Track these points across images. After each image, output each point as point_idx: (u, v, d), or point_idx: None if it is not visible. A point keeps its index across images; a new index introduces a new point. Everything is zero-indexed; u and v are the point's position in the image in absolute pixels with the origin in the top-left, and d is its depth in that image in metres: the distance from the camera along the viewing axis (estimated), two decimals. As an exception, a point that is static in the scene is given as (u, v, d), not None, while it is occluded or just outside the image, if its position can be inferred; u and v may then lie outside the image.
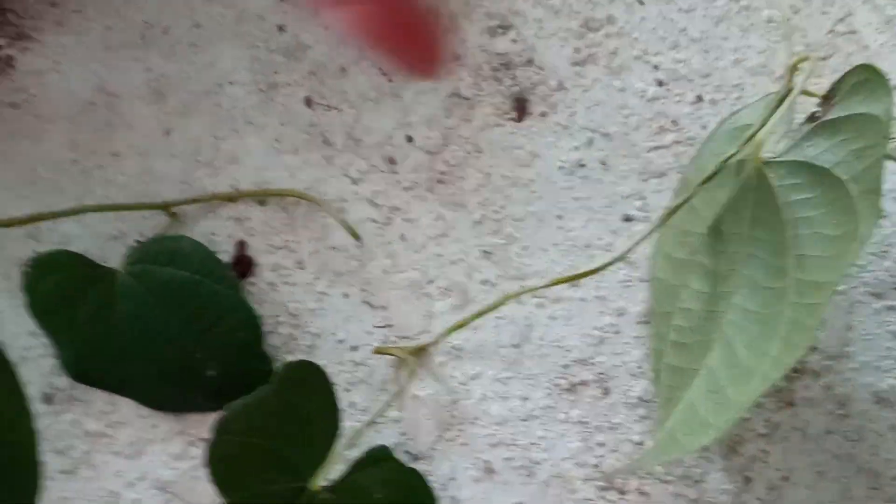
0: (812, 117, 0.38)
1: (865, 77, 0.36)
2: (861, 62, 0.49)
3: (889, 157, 0.37)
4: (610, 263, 0.38)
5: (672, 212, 0.39)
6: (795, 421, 0.41)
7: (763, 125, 0.38)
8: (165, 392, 0.40)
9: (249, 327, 0.41)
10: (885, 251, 0.44)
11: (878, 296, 0.44)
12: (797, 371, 0.42)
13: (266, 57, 0.48)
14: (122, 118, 0.46)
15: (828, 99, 0.37)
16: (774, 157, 0.38)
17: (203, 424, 0.40)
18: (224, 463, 0.36)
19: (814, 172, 0.36)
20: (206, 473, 0.37)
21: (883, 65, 0.48)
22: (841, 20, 0.50)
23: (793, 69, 0.41)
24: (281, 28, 0.48)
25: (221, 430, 0.36)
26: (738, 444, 0.41)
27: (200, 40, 0.48)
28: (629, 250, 0.38)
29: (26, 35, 0.47)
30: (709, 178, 0.39)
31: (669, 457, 0.36)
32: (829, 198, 0.35)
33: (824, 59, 0.49)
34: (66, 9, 0.48)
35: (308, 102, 0.47)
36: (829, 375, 0.42)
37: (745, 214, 0.39)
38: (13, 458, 0.35)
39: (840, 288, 0.44)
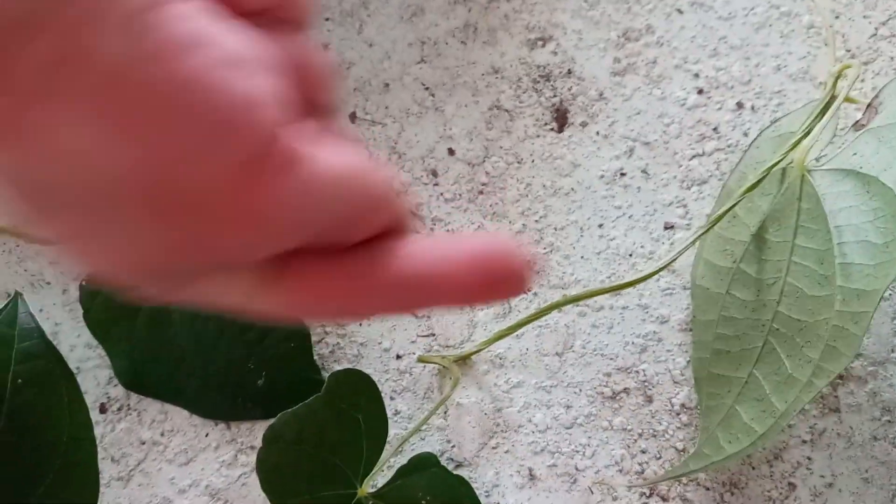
0: (857, 125, 0.38)
1: (909, 84, 0.36)
2: (904, 66, 0.49)
3: (934, 163, 0.37)
4: (654, 273, 0.39)
5: (716, 220, 0.39)
6: (840, 427, 0.41)
7: (807, 133, 0.38)
8: (217, 401, 0.41)
9: (299, 338, 0.42)
10: (931, 257, 0.44)
11: (924, 302, 0.43)
12: (842, 377, 0.42)
13: (310, 73, 0.49)
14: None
15: (873, 106, 0.37)
16: (819, 165, 0.38)
17: (253, 433, 0.42)
18: (275, 470, 0.37)
19: (860, 180, 0.36)
20: (256, 480, 0.38)
21: (927, 68, 0.48)
22: (883, 23, 0.50)
23: (837, 76, 0.41)
24: (326, 46, 0.49)
25: (272, 438, 0.37)
26: (782, 451, 0.41)
27: (246, 58, 0.49)
28: (673, 259, 0.38)
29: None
30: (753, 186, 0.39)
31: (712, 464, 0.36)
32: (875, 205, 0.35)
33: (866, 63, 0.49)
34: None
35: (352, 118, 0.48)
36: (875, 381, 0.42)
37: (789, 223, 0.39)
38: (75, 465, 0.37)
39: (886, 294, 0.44)
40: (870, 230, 0.35)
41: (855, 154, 0.36)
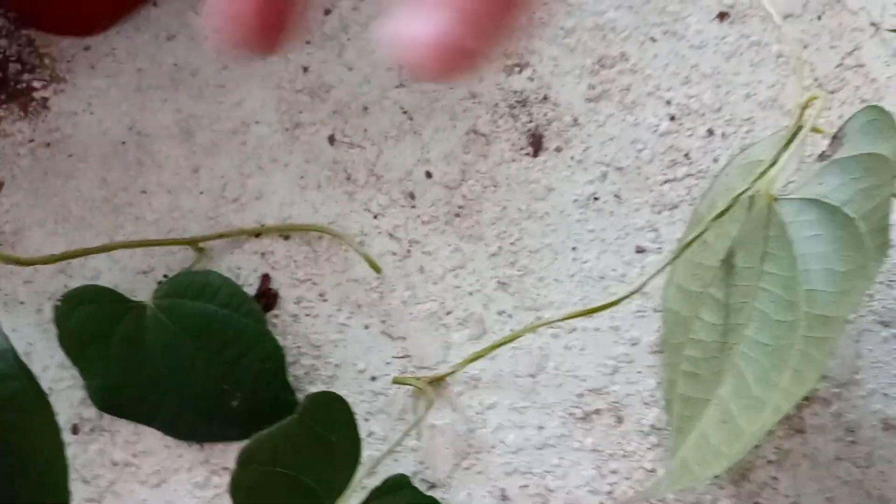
0: (822, 155, 0.39)
1: (874, 117, 0.37)
2: (869, 95, 0.50)
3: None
4: (627, 296, 0.40)
5: (685, 246, 0.40)
6: (805, 448, 0.42)
7: (774, 162, 0.39)
8: (191, 422, 0.41)
9: (274, 359, 0.42)
10: (893, 280, 0.45)
11: (886, 324, 0.44)
12: (807, 399, 0.43)
13: (291, 97, 0.49)
14: (151, 157, 0.47)
15: (837, 138, 0.38)
16: (785, 194, 0.39)
17: (226, 454, 0.42)
18: (247, 492, 0.37)
19: (824, 210, 0.37)
20: (229, 502, 0.38)
21: (891, 98, 0.50)
22: (849, 54, 0.51)
23: (804, 106, 0.42)
24: (306, 69, 0.50)
25: (245, 459, 0.37)
26: (748, 471, 0.42)
27: (228, 82, 0.49)
28: (644, 284, 0.39)
29: (61, 78, 0.49)
30: (721, 214, 0.40)
31: (682, 485, 0.37)
32: (838, 235, 0.36)
33: (832, 92, 0.51)
34: (99, 52, 0.50)
35: (331, 140, 0.48)
36: (839, 403, 0.43)
37: (756, 249, 0.40)
38: (47, 488, 0.36)
39: (849, 317, 0.45)
40: (833, 258, 0.36)
41: (820, 184, 0.37)
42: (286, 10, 0.19)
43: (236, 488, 0.37)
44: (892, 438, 0.43)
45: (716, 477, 0.42)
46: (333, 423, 0.38)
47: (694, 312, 0.41)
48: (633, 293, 0.39)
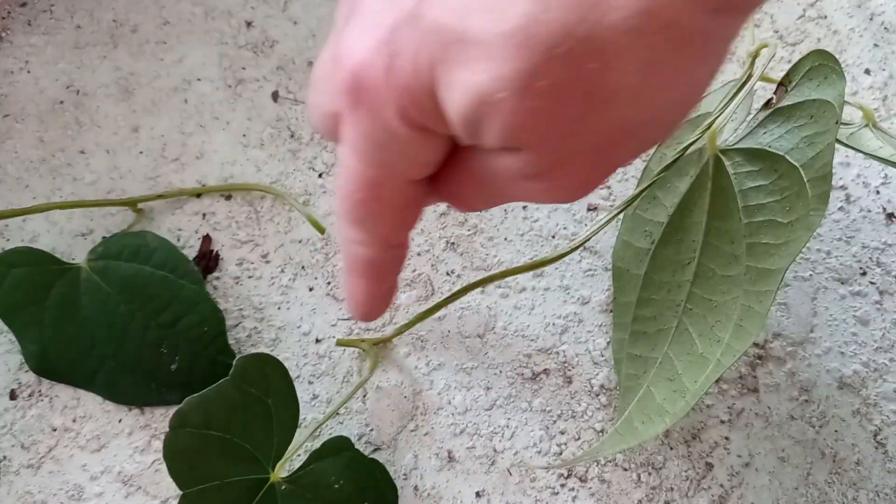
0: (768, 104, 0.38)
1: (819, 62, 0.35)
2: (831, 47, 0.49)
3: (841, 142, 0.37)
4: (569, 251, 0.39)
5: (630, 201, 0.39)
6: (758, 407, 0.41)
7: (720, 113, 0.38)
8: (129, 386, 0.41)
9: (213, 322, 0.41)
10: (850, 237, 0.44)
11: (843, 281, 0.44)
12: (761, 358, 0.42)
13: (234, 53, 0.48)
14: (90, 116, 0.46)
15: (783, 85, 0.37)
16: (731, 145, 0.38)
17: (167, 418, 0.41)
18: (181, 455, 0.36)
19: (768, 159, 0.36)
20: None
21: (853, 49, 0.48)
22: (811, 5, 0.50)
23: (753, 56, 0.41)
24: (249, 24, 0.48)
25: (178, 423, 0.36)
26: (700, 431, 0.41)
27: (169, 38, 0.48)
28: (587, 238, 0.38)
29: (-6, 34, 0.48)
30: (668, 167, 0.39)
31: (628, 444, 0.36)
32: (782, 185, 0.35)
33: (793, 44, 0.49)
34: (36, 9, 0.48)
35: (275, 97, 0.47)
36: (794, 361, 0.42)
37: (703, 203, 0.39)
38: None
39: (805, 274, 0.44)
40: (776, 209, 0.35)
41: (765, 133, 0.36)
42: (393, 292, 0.31)
43: (170, 451, 0.37)
44: (846, 397, 0.42)
45: (666, 437, 0.41)
46: (269, 386, 0.37)
47: (643, 270, 0.40)
48: (577, 247, 0.38)
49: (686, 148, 0.38)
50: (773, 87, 0.40)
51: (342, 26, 0.25)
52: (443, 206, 0.45)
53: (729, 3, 0.19)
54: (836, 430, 0.41)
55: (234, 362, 0.37)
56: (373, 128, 0.25)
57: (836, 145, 0.34)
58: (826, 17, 0.50)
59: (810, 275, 0.44)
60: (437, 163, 0.27)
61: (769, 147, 0.36)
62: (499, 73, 0.21)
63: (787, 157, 0.35)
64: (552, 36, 0.20)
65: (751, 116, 0.39)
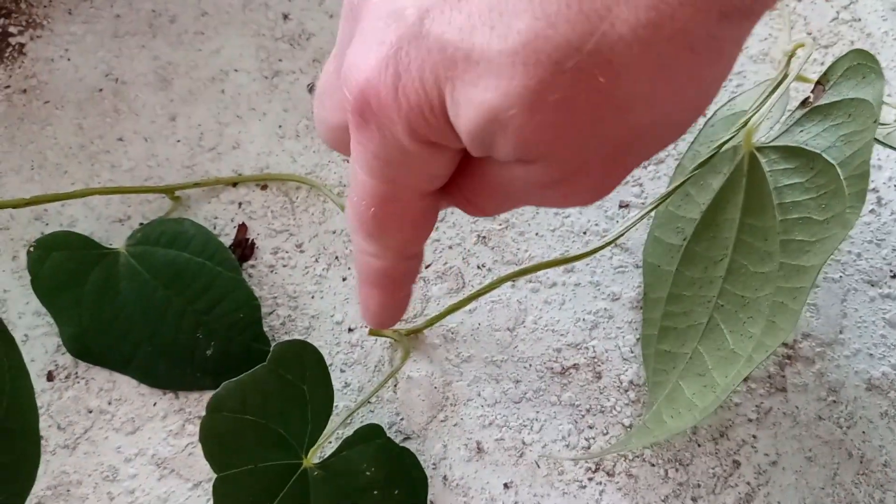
0: (805, 102, 0.38)
1: (857, 62, 0.36)
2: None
3: (879, 141, 0.37)
4: (600, 248, 0.39)
5: (664, 198, 0.39)
6: (786, 407, 0.42)
7: (756, 111, 0.38)
8: (165, 370, 0.41)
9: (248, 308, 0.42)
10: (881, 239, 0.44)
11: (873, 284, 0.44)
12: (790, 357, 0.42)
13: (271, 45, 0.48)
14: (128, 104, 0.47)
15: (821, 84, 0.37)
16: (767, 143, 0.38)
17: (201, 402, 0.41)
18: (217, 439, 0.37)
19: (804, 157, 0.36)
20: (201, 449, 0.37)
21: (887, 53, 0.49)
22: (845, 7, 0.50)
23: (790, 55, 0.41)
24: (286, 16, 0.49)
25: (215, 407, 0.37)
26: (727, 429, 0.41)
27: (207, 28, 0.49)
28: (619, 235, 0.38)
29: (38, 23, 0.48)
30: (702, 164, 0.39)
31: (656, 438, 0.36)
32: (818, 182, 0.35)
33: (826, 47, 0.49)
34: (76, -3, 0.49)
35: (311, 89, 0.48)
36: (822, 362, 0.42)
37: (736, 200, 0.39)
38: (14, 432, 0.36)
39: (835, 276, 0.44)
40: (812, 207, 0.35)
41: (802, 131, 0.36)
42: (407, 300, 0.31)
43: (206, 435, 0.37)
44: (874, 398, 0.42)
45: (694, 433, 0.41)
46: (304, 372, 0.38)
47: (674, 266, 0.41)
48: (609, 243, 0.38)
49: (721, 146, 0.38)
50: (808, 87, 0.40)
51: (346, 41, 0.25)
52: (475, 200, 0.45)
53: (738, 8, 0.19)
54: (863, 432, 0.41)
55: (271, 348, 0.38)
56: (383, 145, 0.25)
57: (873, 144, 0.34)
58: (860, 19, 0.50)
59: (840, 276, 0.44)
60: (448, 175, 0.27)
61: (806, 145, 0.36)
62: (507, 90, 0.21)
63: (824, 154, 0.35)
64: (559, 51, 0.19)
65: (787, 115, 0.39)
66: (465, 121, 0.23)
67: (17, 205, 0.40)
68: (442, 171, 0.26)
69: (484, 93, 0.22)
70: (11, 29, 0.48)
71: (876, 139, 0.34)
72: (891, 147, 0.37)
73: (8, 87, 0.47)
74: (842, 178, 0.34)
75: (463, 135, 0.23)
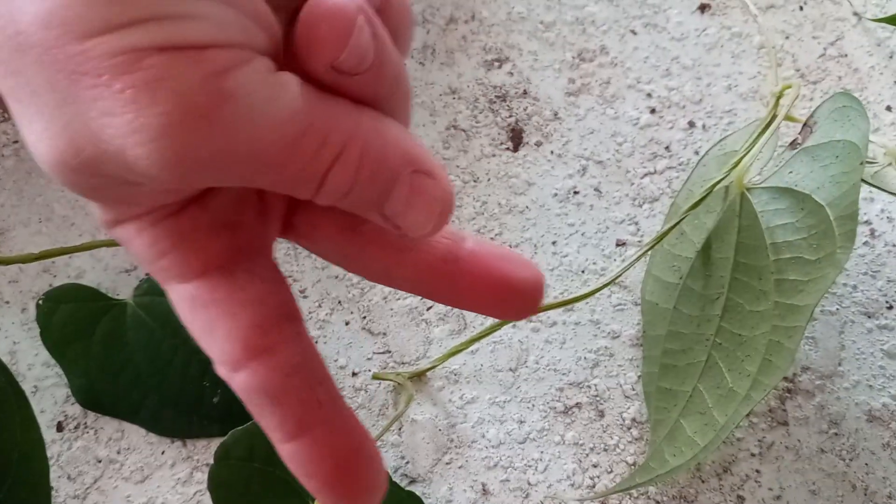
0: (793, 143, 0.39)
1: (842, 104, 0.37)
2: (852, 85, 0.50)
3: (867, 182, 0.38)
4: (602, 287, 0.40)
5: (660, 237, 0.40)
6: (788, 440, 0.42)
7: (747, 152, 0.39)
8: (172, 419, 0.42)
9: (253, 355, 0.42)
10: (876, 271, 0.45)
11: (870, 315, 0.44)
12: (790, 391, 0.43)
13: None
14: (133, 156, 0.48)
15: (808, 126, 0.38)
16: (758, 183, 0.39)
17: (209, 450, 0.42)
18: (225, 487, 0.37)
19: (795, 198, 0.37)
20: (210, 497, 0.38)
21: (874, 87, 0.49)
22: (832, 44, 0.51)
23: (778, 95, 0.42)
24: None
25: (223, 455, 0.37)
26: (731, 464, 0.41)
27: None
28: (620, 274, 0.39)
29: (43, 79, 0.50)
30: (696, 205, 0.40)
31: (658, 476, 0.37)
32: (809, 223, 0.36)
33: (815, 83, 0.50)
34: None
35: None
36: (823, 395, 0.43)
37: (730, 239, 0.40)
38: (26, 483, 0.37)
39: (832, 308, 0.45)
40: (804, 247, 0.35)
41: (791, 172, 0.37)
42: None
43: (214, 483, 0.38)
44: (876, 430, 0.43)
45: (698, 470, 0.42)
46: (310, 418, 0.38)
47: (672, 304, 0.41)
48: (608, 283, 0.39)
49: (713, 186, 0.39)
50: (797, 125, 0.41)
51: None
52: (474, 243, 0.46)
53: None
54: (866, 464, 0.42)
55: (275, 396, 0.38)
56: None
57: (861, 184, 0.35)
58: (846, 55, 0.51)
59: (837, 309, 0.44)
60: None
61: (795, 186, 0.37)
62: None
63: (813, 195, 0.36)
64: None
65: (777, 155, 0.40)
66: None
67: (25, 260, 0.41)
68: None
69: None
70: (19, 86, 0.49)
71: (863, 180, 0.35)
72: (877, 187, 0.38)
73: (16, 141, 0.48)
74: (831, 218, 0.35)
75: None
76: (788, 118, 0.40)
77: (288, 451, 0.22)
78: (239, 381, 0.22)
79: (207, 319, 0.22)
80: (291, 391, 0.22)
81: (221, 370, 0.22)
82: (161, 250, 0.21)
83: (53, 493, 0.41)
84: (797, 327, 0.34)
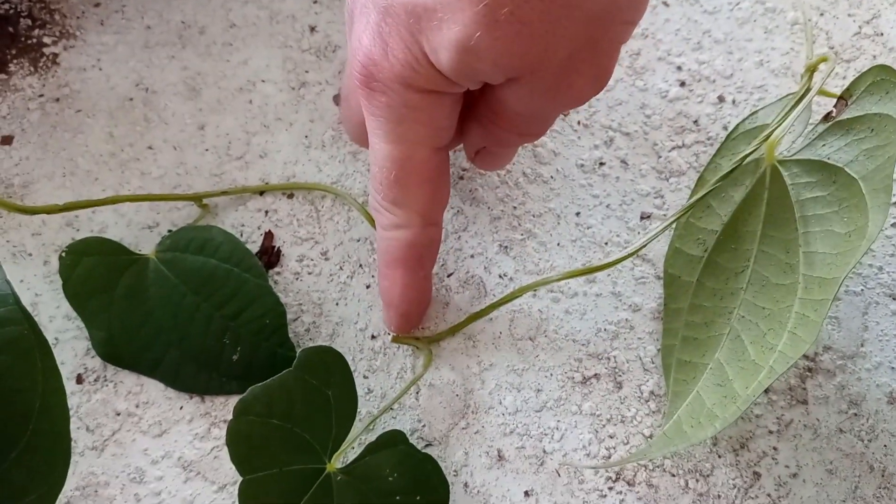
0: (827, 117, 0.38)
1: (881, 77, 0.36)
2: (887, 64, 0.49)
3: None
4: (623, 258, 0.39)
5: (686, 209, 0.39)
6: (807, 419, 0.42)
7: (779, 124, 0.39)
8: (191, 374, 0.42)
9: (274, 314, 0.42)
10: (903, 253, 0.44)
11: (894, 297, 0.44)
12: (811, 370, 0.43)
13: (298, 56, 0.49)
14: (158, 114, 0.48)
15: (843, 99, 0.38)
16: (789, 156, 0.39)
17: (227, 407, 0.42)
18: (243, 442, 0.37)
19: (826, 170, 0.37)
20: (227, 453, 0.38)
21: (908, 67, 0.49)
22: (867, 22, 0.50)
23: (812, 69, 0.41)
24: (313, 28, 0.50)
25: (242, 411, 0.37)
26: (748, 441, 0.41)
27: (235, 40, 0.50)
28: (642, 246, 0.39)
29: (71, 34, 0.49)
30: (724, 177, 0.39)
31: (676, 447, 0.37)
32: (840, 196, 0.36)
33: (849, 61, 0.50)
34: (109, 9, 0.50)
35: (336, 100, 0.48)
36: (843, 375, 0.42)
37: (758, 212, 0.39)
38: (46, 432, 0.37)
39: (857, 289, 0.44)
40: (834, 220, 0.35)
41: (824, 145, 0.37)
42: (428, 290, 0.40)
43: (233, 438, 0.38)
44: (896, 411, 0.42)
45: (714, 444, 0.42)
46: (329, 378, 0.38)
47: (695, 277, 0.41)
48: (631, 254, 0.39)
49: (743, 159, 0.39)
50: (830, 101, 0.40)
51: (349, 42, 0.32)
52: (497, 210, 0.46)
53: None
54: (885, 445, 0.41)
55: (297, 353, 0.38)
56: (388, 106, 0.30)
57: None
58: (882, 34, 0.50)
59: (862, 290, 0.44)
60: (452, 125, 0.32)
61: (828, 159, 0.36)
62: (464, 21, 0.25)
63: (847, 168, 0.35)
64: None
65: (809, 129, 0.39)
66: (445, 61, 0.27)
67: (49, 210, 0.41)
68: (445, 120, 0.31)
69: (449, 32, 0.26)
70: (45, 39, 0.49)
71: (899, 153, 0.34)
72: (913, 161, 0.37)
73: (42, 95, 0.48)
74: (864, 192, 0.34)
75: (449, 74, 0.28)
76: (822, 92, 0.39)
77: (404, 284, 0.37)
78: (428, 232, 0.35)
79: (443, 182, 0.35)
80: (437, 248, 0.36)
81: (413, 219, 0.35)
82: (453, 121, 0.32)
83: (72, 444, 0.42)
84: (824, 300, 0.34)
